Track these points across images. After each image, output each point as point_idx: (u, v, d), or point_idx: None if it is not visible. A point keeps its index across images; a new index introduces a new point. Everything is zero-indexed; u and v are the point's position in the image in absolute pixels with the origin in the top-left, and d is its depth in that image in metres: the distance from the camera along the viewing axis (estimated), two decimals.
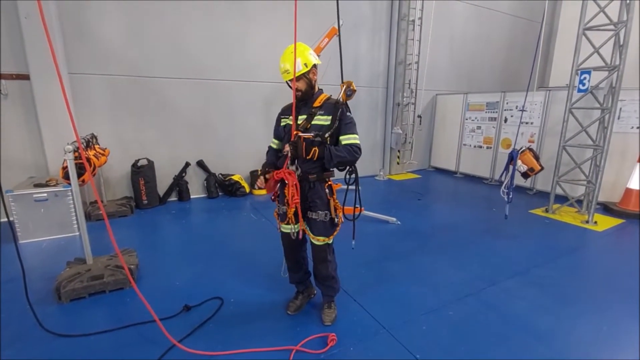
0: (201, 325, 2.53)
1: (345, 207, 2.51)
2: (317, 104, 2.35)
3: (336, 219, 2.44)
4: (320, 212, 2.38)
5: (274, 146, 2.58)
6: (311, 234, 2.44)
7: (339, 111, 2.30)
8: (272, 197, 2.54)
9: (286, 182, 2.27)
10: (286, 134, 2.39)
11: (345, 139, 2.30)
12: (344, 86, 2.36)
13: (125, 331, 2.46)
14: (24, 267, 2.26)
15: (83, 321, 2.58)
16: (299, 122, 2.32)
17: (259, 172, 2.40)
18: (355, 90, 2.38)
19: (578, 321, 2.68)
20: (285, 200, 2.31)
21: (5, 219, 4.23)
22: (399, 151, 7.93)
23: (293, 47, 2.20)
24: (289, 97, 2.45)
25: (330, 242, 2.50)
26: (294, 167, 2.28)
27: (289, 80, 2.27)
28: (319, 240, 2.43)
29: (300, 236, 2.41)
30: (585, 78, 4.82)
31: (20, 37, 4.26)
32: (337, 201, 2.43)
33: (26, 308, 2.37)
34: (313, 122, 2.31)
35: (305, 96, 2.33)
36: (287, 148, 2.25)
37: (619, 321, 2.68)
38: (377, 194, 6.61)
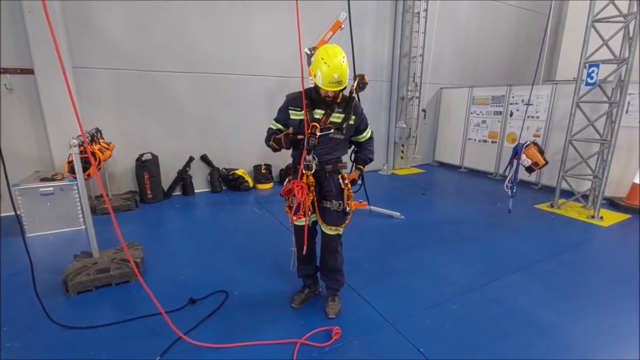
0: (206, 318, 2.55)
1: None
2: (337, 101, 2.34)
3: (347, 209, 2.47)
4: (334, 201, 2.43)
5: (276, 129, 2.50)
6: (324, 223, 2.46)
7: (354, 103, 2.37)
8: (281, 194, 2.47)
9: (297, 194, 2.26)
10: (301, 128, 2.34)
11: (367, 133, 2.56)
12: (357, 79, 2.39)
13: (131, 323, 2.49)
14: (32, 260, 2.28)
15: (90, 313, 2.61)
16: (318, 116, 2.31)
17: (282, 137, 2.36)
18: (367, 83, 2.42)
19: (582, 316, 2.68)
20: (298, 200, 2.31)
21: (12, 213, 4.28)
22: (402, 145, 7.89)
23: (343, 57, 2.15)
24: (292, 90, 2.43)
25: (341, 232, 2.55)
26: (311, 157, 2.30)
27: (331, 90, 2.19)
28: (331, 230, 2.47)
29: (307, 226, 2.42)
30: (593, 71, 4.75)
31: (25, 31, 4.26)
32: (351, 191, 2.47)
33: (34, 300, 2.40)
34: (331, 120, 2.31)
35: (333, 100, 2.31)
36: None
37: (622, 317, 2.67)
38: (381, 189, 6.59)
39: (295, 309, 2.68)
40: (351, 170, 2.58)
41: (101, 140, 4.50)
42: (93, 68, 4.87)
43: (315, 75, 2.18)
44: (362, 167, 2.59)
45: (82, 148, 3.01)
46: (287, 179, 2.48)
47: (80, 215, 4.24)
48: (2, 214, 4.60)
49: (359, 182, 2.64)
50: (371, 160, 2.64)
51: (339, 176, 2.46)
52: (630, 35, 4.49)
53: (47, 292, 2.79)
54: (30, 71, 4.43)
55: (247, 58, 5.88)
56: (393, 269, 3.33)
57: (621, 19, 4.57)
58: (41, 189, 4.04)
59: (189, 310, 2.66)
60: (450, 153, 8.41)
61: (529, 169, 4.25)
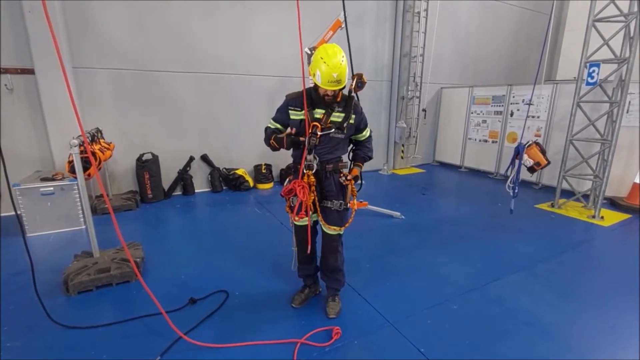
0: (207, 318, 2.55)
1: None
2: (337, 100, 2.33)
3: (349, 205, 2.47)
4: (335, 201, 2.43)
5: (274, 128, 2.49)
6: (325, 222, 2.46)
7: (353, 102, 2.37)
8: (282, 194, 2.46)
9: (299, 194, 2.25)
10: (302, 129, 2.34)
11: (366, 132, 2.56)
12: (355, 78, 2.40)
13: (131, 323, 2.50)
14: (32, 260, 2.28)
15: (90, 313, 2.61)
16: (318, 115, 2.31)
17: (284, 137, 2.35)
18: (365, 82, 2.43)
19: (582, 316, 2.67)
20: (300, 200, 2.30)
21: (12, 213, 4.28)
22: (403, 145, 7.89)
23: (342, 57, 2.14)
24: (293, 90, 2.43)
25: (342, 232, 2.56)
26: (312, 157, 2.30)
27: (330, 89, 2.18)
28: (332, 230, 2.47)
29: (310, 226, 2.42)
30: (594, 71, 4.74)
31: (25, 31, 4.26)
32: (354, 188, 2.47)
33: (35, 300, 2.40)
34: (332, 119, 2.31)
35: (333, 100, 2.31)
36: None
37: (623, 316, 2.67)
38: (381, 189, 6.59)
39: (296, 308, 2.68)
40: (350, 168, 2.58)
41: (102, 140, 4.50)
42: (93, 68, 4.87)
43: (314, 75, 2.18)
44: (361, 164, 2.59)
45: (82, 148, 3.02)
46: (287, 179, 2.48)
47: (81, 215, 4.24)
48: (2, 214, 4.61)
49: (362, 181, 2.64)
50: (370, 158, 2.64)
51: (340, 175, 2.45)
52: (631, 34, 4.48)
53: (48, 292, 2.79)
54: (30, 71, 4.43)
55: (248, 58, 5.88)
56: (393, 269, 3.33)
57: (622, 18, 4.57)
58: (42, 189, 4.04)
59: (190, 310, 2.66)
60: (450, 153, 8.40)
61: (531, 169, 4.23)
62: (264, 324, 2.50)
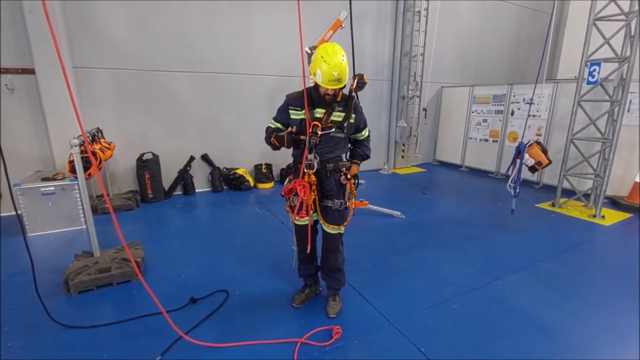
0: (207, 318, 2.55)
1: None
2: (337, 99, 2.34)
3: (348, 204, 2.47)
4: (335, 200, 2.43)
5: (275, 127, 2.49)
6: (326, 222, 2.46)
7: (353, 102, 2.38)
8: (282, 193, 2.46)
9: (299, 193, 2.26)
10: (302, 128, 2.34)
11: (365, 131, 2.60)
12: (356, 78, 2.40)
13: (132, 323, 2.50)
14: (33, 259, 2.29)
15: (91, 313, 2.62)
16: (319, 115, 2.31)
17: (284, 135, 2.35)
18: (366, 82, 2.43)
19: (583, 315, 2.67)
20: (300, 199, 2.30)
21: (13, 212, 4.29)
22: (403, 145, 7.88)
23: (343, 56, 2.14)
24: (293, 90, 2.43)
25: (342, 231, 2.56)
26: (312, 156, 2.30)
27: (331, 88, 2.19)
28: (333, 229, 2.48)
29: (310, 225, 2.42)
30: (594, 70, 4.73)
31: (25, 31, 4.26)
32: (353, 187, 2.47)
33: (35, 300, 2.41)
34: (332, 119, 2.31)
35: (333, 99, 2.31)
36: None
37: (623, 316, 2.67)
38: (382, 188, 6.59)
39: (296, 308, 2.69)
40: (348, 166, 2.56)
41: (102, 140, 4.51)
42: (94, 68, 4.87)
43: (315, 74, 2.19)
44: (359, 162, 2.60)
45: (82, 148, 3.02)
46: (287, 179, 2.48)
47: (81, 215, 4.24)
48: (3, 214, 4.62)
49: (361, 181, 2.64)
50: (368, 157, 2.66)
51: (340, 174, 2.45)
52: (632, 33, 4.47)
53: (48, 292, 2.80)
54: (31, 71, 4.43)
55: (248, 58, 5.87)
56: (394, 269, 3.33)
57: (622, 17, 4.56)
58: (42, 189, 4.04)
59: (190, 310, 2.66)
60: (451, 152, 8.39)
61: (532, 169, 4.22)
62: (264, 323, 2.51)
